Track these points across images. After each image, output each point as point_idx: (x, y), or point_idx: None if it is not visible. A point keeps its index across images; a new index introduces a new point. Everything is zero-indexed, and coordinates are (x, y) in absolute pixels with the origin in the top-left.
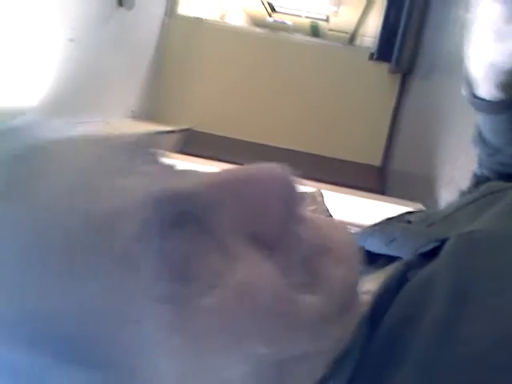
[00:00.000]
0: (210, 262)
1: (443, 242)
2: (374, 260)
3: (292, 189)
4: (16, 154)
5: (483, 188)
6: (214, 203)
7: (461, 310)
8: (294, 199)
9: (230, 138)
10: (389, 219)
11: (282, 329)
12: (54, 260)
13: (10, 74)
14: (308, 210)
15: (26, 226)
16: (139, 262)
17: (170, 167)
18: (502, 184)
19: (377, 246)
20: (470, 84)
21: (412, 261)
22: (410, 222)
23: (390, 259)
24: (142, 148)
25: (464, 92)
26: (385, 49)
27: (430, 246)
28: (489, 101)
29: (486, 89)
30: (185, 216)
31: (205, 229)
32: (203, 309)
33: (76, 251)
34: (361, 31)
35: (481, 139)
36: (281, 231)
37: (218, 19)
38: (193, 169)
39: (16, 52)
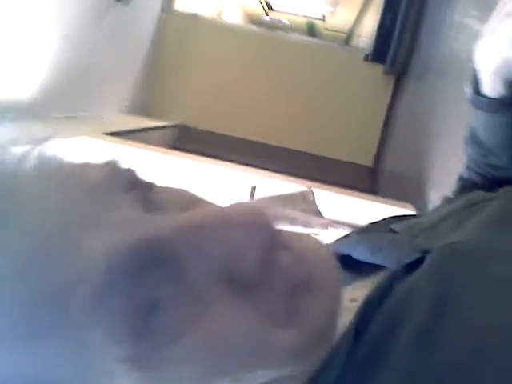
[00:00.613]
0: (178, 310)
1: (426, 252)
2: (359, 266)
3: (268, 229)
4: None
5: (465, 198)
6: (185, 248)
7: (439, 320)
8: (271, 238)
9: (223, 135)
10: (374, 223)
11: (254, 368)
12: (9, 329)
13: (3, 69)
14: (299, 209)
15: None
16: (97, 326)
17: (139, 211)
18: (483, 194)
19: (363, 255)
20: (475, 81)
21: (397, 272)
22: (394, 231)
23: (376, 267)
24: (111, 185)
25: (467, 90)
26: (380, 50)
27: (414, 257)
28: (493, 99)
29: (493, 86)
30: (155, 263)
31: (176, 275)
32: (170, 360)
33: (31, 320)
34: (357, 32)
35: (474, 140)
36: (258, 272)
37: (214, 16)
38: (167, 200)
39: (9, 46)
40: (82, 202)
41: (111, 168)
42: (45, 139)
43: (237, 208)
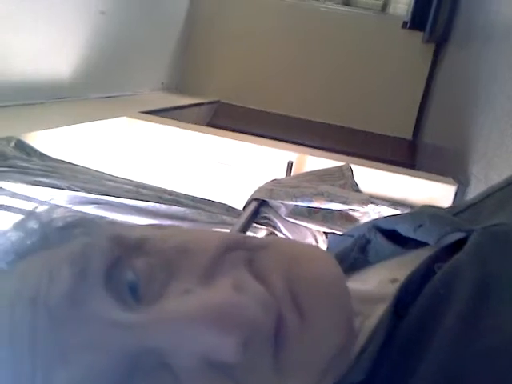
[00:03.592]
0: None
1: (468, 233)
2: (404, 241)
3: (242, 323)
4: None
5: (508, 177)
6: (166, 352)
7: (483, 304)
8: (248, 327)
9: (259, 111)
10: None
11: None
12: None
13: (43, 47)
14: (337, 185)
15: None
16: None
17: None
18: None
19: (405, 230)
20: None
21: (437, 253)
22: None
23: (419, 242)
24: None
25: None
26: (418, 17)
27: (455, 238)
28: None
29: None
30: (144, 363)
31: (160, 372)
32: None
33: None
34: None
35: None
36: (236, 358)
37: None
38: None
39: (48, 24)
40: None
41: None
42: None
43: (207, 305)
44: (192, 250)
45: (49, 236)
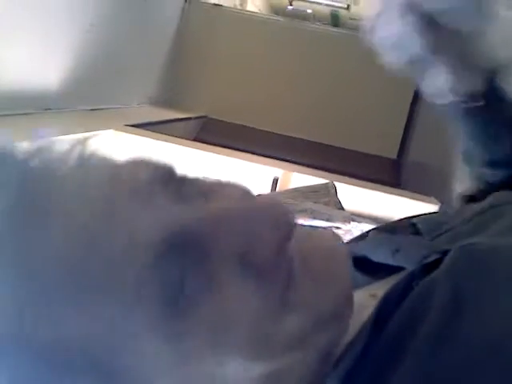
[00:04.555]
0: (200, 287)
1: (445, 253)
2: (375, 270)
3: (285, 222)
4: (25, 184)
5: (489, 199)
6: (210, 237)
7: (456, 318)
8: (287, 231)
9: (246, 127)
10: (392, 222)
11: (257, 347)
12: (71, 295)
13: (30, 57)
14: (321, 202)
15: (39, 260)
16: (146, 292)
17: (173, 203)
18: (508, 195)
19: (384, 256)
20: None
21: (417, 271)
22: (416, 226)
23: (393, 270)
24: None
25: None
26: None
27: (433, 258)
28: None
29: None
30: (186, 248)
31: (201, 258)
32: (189, 331)
33: (88, 287)
34: None
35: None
36: (270, 261)
37: (237, 6)
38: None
39: (35, 35)
40: (122, 195)
41: (148, 163)
42: (85, 137)
43: (260, 200)
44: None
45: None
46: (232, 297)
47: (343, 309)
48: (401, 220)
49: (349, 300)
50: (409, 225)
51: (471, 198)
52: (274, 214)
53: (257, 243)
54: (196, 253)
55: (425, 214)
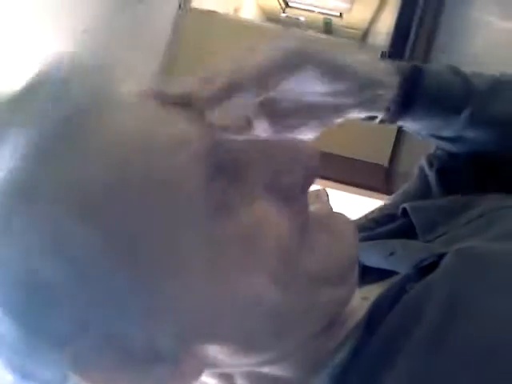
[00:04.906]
0: (234, 197)
1: (441, 256)
2: (366, 274)
3: (313, 159)
4: (77, 107)
5: (485, 205)
6: (250, 158)
7: (451, 321)
8: (313, 168)
9: None
10: (370, 212)
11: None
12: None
13: (24, 64)
14: (312, 209)
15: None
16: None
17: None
18: (504, 199)
19: (376, 260)
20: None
21: (411, 274)
22: (405, 211)
23: (385, 274)
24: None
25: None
26: (397, 48)
27: (429, 261)
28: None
29: None
30: (224, 169)
31: (238, 178)
32: (225, 237)
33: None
34: (374, 28)
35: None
36: (298, 189)
37: (231, 13)
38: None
39: (30, 41)
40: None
41: None
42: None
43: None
44: None
45: None
46: (262, 214)
47: (348, 271)
48: (385, 206)
49: (354, 264)
50: (399, 211)
51: (442, 169)
52: (305, 156)
53: (291, 172)
54: (235, 172)
55: (415, 201)
